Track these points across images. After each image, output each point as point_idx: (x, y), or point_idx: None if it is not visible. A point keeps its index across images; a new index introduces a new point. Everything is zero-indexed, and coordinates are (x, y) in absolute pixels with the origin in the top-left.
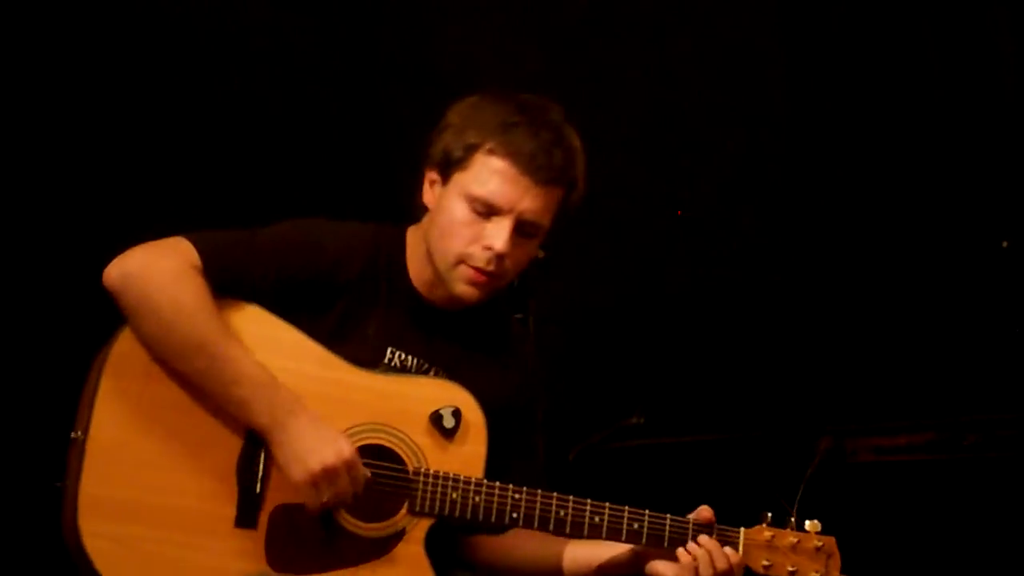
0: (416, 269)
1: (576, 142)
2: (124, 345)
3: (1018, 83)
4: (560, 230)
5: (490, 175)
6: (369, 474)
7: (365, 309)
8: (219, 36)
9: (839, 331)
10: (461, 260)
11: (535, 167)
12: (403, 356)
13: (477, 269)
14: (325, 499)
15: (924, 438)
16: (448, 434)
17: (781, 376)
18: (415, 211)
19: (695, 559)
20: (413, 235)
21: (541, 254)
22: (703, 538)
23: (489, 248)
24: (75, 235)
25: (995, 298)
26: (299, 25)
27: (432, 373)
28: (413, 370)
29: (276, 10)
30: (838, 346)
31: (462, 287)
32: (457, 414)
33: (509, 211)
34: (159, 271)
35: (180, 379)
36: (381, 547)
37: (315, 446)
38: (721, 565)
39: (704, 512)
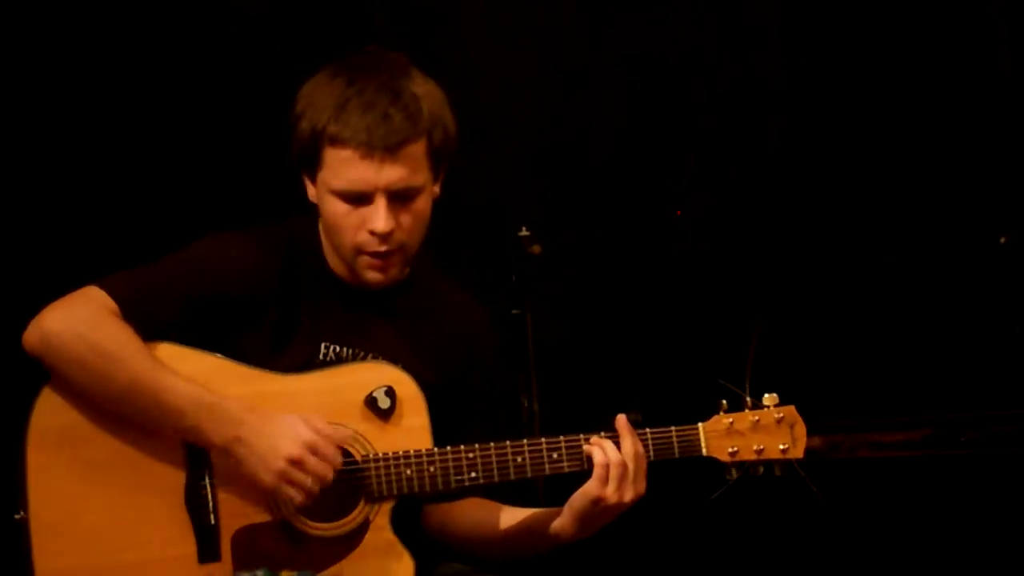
0: (333, 257)
1: (419, 87)
2: (41, 418)
3: (1016, 77)
4: (556, 223)
5: (341, 166)
6: (343, 434)
7: (295, 310)
8: (211, 32)
9: (836, 327)
10: (357, 250)
11: (377, 140)
12: (337, 348)
13: (373, 254)
14: (307, 487)
15: (921, 434)
16: (386, 415)
17: (778, 372)
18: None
19: (602, 460)
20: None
21: (538, 250)
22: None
23: (373, 232)
24: None
25: (993, 294)
26: (292, 22)
27: (369, 358)
28: (348, 359)
29: (270, 7)
30: (835, 341)
31: (369, 274)
32: (391, 392)
33: (374, 191)
34: (77, 323)
35: (105, 435)
36: (350, 543)
37: (273, 444)
38: (623, 448)
39: (619, 420)
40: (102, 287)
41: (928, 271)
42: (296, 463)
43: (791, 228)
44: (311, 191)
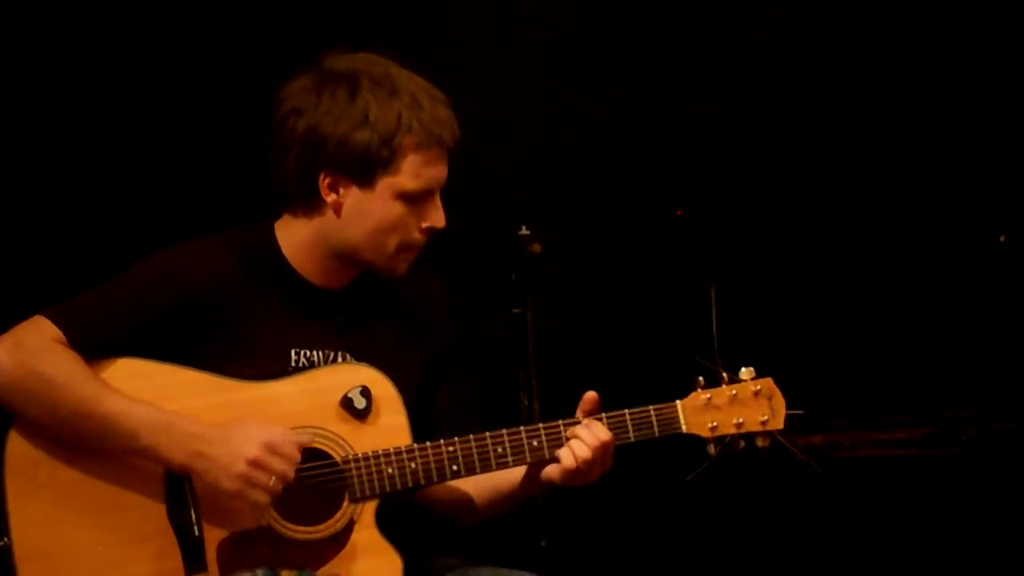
0: (301, 259)
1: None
2: (15, 445)
3: (1016, 75)
4: (556, 222)
5: (421, 167)
6: (303, 438)
7: (254, 318)
8: (210, 32)
9: (837, 325)
10: (402, 249)
11: (450, 139)
12: (308, 353)
13: (416, 249)
14: (270, 487)
15: (922, 432)
16: (363, 414)
17: (779, 371)
18: (280, 202)
19: (571, 452)
20: (286, 227)
21: (538, 249)
22: (573, 430)
23: (431, 228)
24: None
25: (992, 292)
26: (291, 21)
27: (340, 359)
28: (321, 364)
29: (268, 6)
30: (836, 340)
31: (402, 267)
32: (366, 392)
33: (438, 188)
34: (23, 354)
35: (81, 454)
36: (336, 543)
37: (232, 451)
38: (591, 442)
39: (586, 398)
40: (49, 316)
41: (928, 270)
42: (255, 464)
43: (791, 227)
44: (332, 195)
